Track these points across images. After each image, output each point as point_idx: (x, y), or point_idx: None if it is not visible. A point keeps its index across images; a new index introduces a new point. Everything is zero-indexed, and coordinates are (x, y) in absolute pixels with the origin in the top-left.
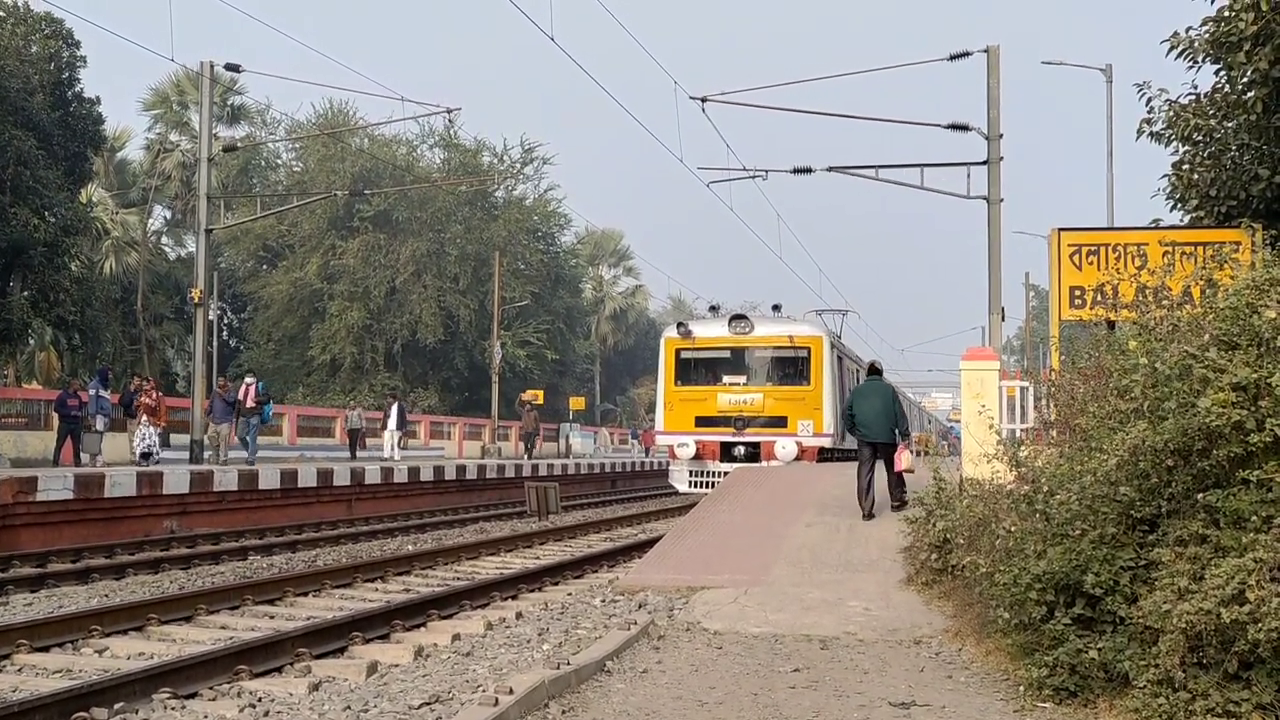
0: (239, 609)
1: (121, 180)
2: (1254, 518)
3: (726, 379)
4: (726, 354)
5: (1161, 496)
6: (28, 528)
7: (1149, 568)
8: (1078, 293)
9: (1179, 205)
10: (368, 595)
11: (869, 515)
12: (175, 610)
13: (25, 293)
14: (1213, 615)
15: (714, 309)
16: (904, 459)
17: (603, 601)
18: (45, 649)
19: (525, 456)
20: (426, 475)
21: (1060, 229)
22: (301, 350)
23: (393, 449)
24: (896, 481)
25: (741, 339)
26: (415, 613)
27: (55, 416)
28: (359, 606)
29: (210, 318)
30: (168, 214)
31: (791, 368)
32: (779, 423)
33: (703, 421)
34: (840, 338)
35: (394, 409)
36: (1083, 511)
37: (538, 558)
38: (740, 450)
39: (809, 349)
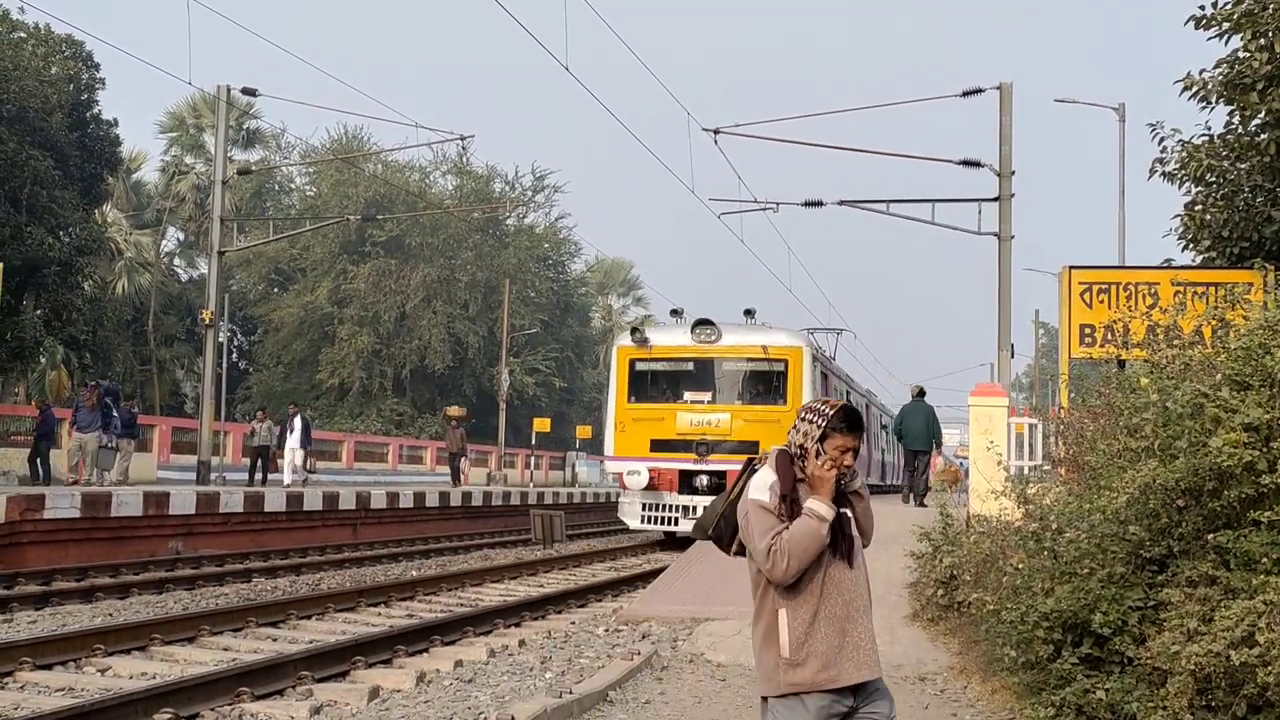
0: (242, 631)
1: (136, 202)
2: (1264, 559)
3: (688, 395)
4: (689, 366)
5: (1171, 536)
6: (34, 545)
7: (1158, 608)
8: (1088, 330)
9: (1191, 245)
10: (371, 619)
11: (906, 500)
12: (178, 631)
13: (38, 311)
14: (1222, 657)
15: (676, 313)
16: (937, 462)
17: (606, 631)
18: (48, 667)
19: (452, 483)
20: (432, 501)
21: (1071, 267)
22: (310, 374)
23: (294, 472)
24: (925, 481)
25: (706, 349)
26: (418, 638)
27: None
28: (362, 630)
29: (220, 340)
30: (181, 236)
31: (765, 383)
32: (749, 448)
33: (659, 445)
34: (834, 358)
35: (296, 422)
36: (1091, 550)
37: (542, 586)
38: (703, 481)
39: (786, 361)
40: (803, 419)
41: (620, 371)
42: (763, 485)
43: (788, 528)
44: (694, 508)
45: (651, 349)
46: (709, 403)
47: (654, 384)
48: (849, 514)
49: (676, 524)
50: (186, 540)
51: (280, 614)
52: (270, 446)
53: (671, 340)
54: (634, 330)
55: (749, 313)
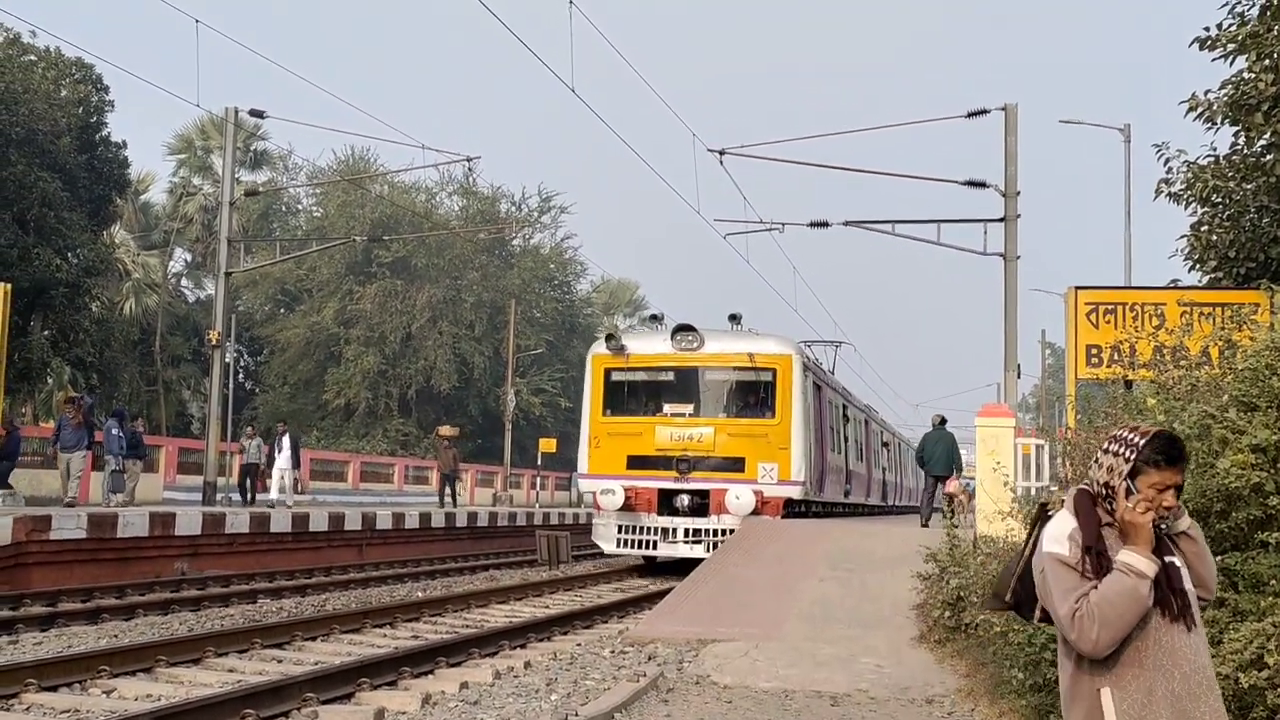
0: (247, 652)
1: (144, 223)
2: (1273, 581)
3: (668, 408)
4: (669, 376)
5: None
6: (40, 566)
7: None
8: (1094, 351)
9: (1197, 266)
10: (376, 641)
11: (925, 524)
12: (183, 652)
13: (46, 332)
14: (1231, 680)
15: (655, 319)
16: (952, 485)
17: (612, 652)
18: (53, 688)
19: (441, 504)
20: (438, 522)
21: (1077, 287)
22: (316, 394)
23: (283, 492)
24: (944, 500)
25: (687, 357)
26: (423, 660)
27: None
28: (367, 652)
29: (227, 360)
30: (188, 257)
31: (752, 394)
32: (734, 465)
33: (636, 462)
34: (834, 372)
35: (285, 440)
36: None
37: (547, 607)
38: (684, 501)
39: (774, 370)
40: (1106, 450)
41: (595, 382)
42: (1060, 535)
43: (1095, 587)
44: (674, 530)
45: (628, 357)
46: (691, 415)
47: (631, 395)
48: (1177, 563)
49: (655, 547)
50: (192, 561)
51: (285, 635)
52: (259, 464)
53: (650, 348)
54: (609, 337)
55: (734, 318)
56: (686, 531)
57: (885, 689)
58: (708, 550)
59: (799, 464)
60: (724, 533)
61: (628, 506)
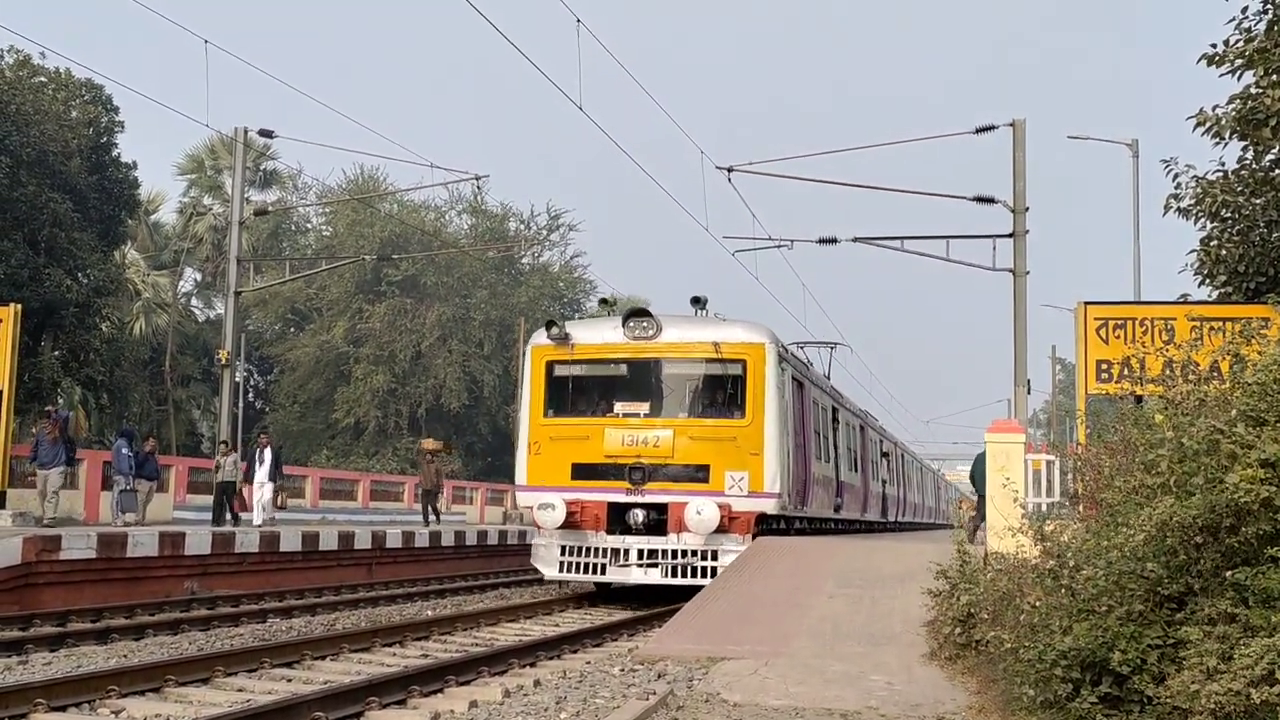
0: (256, 671)
1: (154, 242)
2: None
3: (620, 407)
4: (620, 369)
5: (1189, 574)
6: (50, 586)
7: (1177, 646)
8: (1104, 366)
9: (1207, 281)
10: (386, 660)
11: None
12: (193, 672)
13: (56, 352)
14: (1242, 696)
15: (605, 303)
16: None
17: (622, 670)
18: (62, 708)
19: (424, 523)
20: (448, 540)
21: (1087, 302)
22: (326, 413)
23: (263, 509)
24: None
25: (643, 347)
26: (432, 678)
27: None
28: (376, 671)
29: (237, 379)
30: (198, 276)
31: (718, 390)
32: (696, 474)
33: (582, 471)
34: (829, 376)
35: (266, 453)
36: (1109, 588)
37: (557, 625)
38: (637, 517)
39: (743, 362)
40: None
41: (535, 377)
42: None
43: None
44: (626, 551)
45: (574, 348)
46: (646, 416)
47: (577, 392)
48: None
49: (604, 571)
50: (202, 580)
51: (295, 654)
52: (235, 482)
53: (599, 337)
54: (550, 324)
55: (698, 301)
56: (640, 553)
57: (896, 706)
58: (665, 575)
59: (773, 473)
60: (684, 554)
61: (571, 523)
